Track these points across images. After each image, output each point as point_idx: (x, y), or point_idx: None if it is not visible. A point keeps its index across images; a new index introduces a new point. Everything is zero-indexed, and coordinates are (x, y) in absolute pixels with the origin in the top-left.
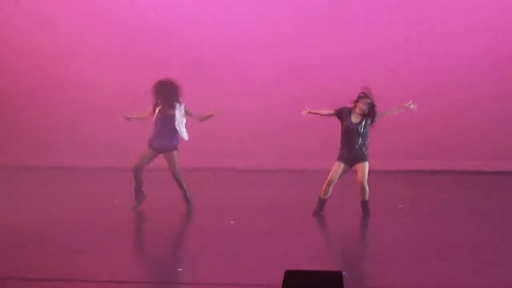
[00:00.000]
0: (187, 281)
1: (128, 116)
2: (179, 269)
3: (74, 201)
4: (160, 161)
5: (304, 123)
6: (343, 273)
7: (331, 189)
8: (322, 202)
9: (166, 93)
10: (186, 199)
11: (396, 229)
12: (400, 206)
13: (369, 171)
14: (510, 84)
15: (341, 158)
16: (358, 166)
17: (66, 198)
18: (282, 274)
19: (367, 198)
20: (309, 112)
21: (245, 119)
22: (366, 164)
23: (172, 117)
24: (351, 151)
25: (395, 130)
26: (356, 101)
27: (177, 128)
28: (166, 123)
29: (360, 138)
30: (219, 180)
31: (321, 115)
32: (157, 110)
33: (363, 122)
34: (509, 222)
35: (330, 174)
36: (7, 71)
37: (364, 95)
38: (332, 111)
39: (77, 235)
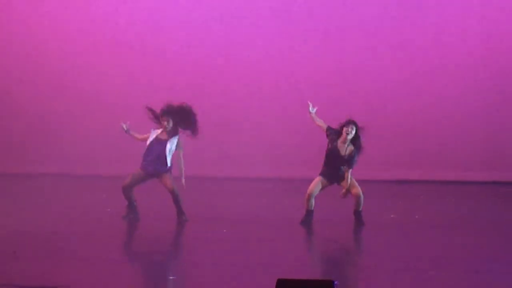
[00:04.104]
0: None
1: (125, 126)
2: (171, 277)
3: (66, 209)
4: None
5: (297, 133)
6: (335, 282)
7: (313, 201)
8: (308, 213)
9: (184, 118)
10: (179, 214)
11: (388, 238)
12: (392, 216)
13: (361, 181)
14: (503, 96)
15: (322, 174)
16: (344, 184)
17: (58, 206)
18: (274, 283)
19: (361, 208)
20: (312, 114)
21: (238, 128)
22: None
23: (166, 143)
24: (333, 171)
25: (387, 140)
26: (342, 127)
27: (166, 154)
28: (159, 147)
29: (342, 163)
30: (211, 189)
31: (316, 122)
32: (155, 133)
33: (347, 153)
34: (499, 231)
35: (309, 188)
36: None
37: (350, 122)
38: (325, 126)
39: (68, 243)
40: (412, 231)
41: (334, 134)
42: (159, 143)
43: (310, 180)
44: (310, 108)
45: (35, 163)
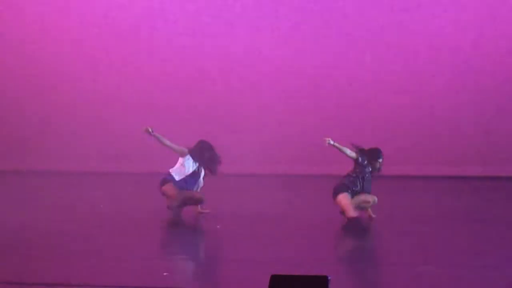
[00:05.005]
0: (172, 285)
1: (150, 129)
2: (165, 274)
3: (59, 206)
4: (156, 164)
5: (297, 130)
6: (329, 277)
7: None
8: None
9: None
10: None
11: (383, 233)
12: (387, 211)
13: None
14: (498, 92)
15: (347, 189)
16: (361, 197)
17: (51, 203)
18: (268, 279)
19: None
20: (333, 145)
21: (234, 124)
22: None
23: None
24: (356, 192)
25: (382, 136)
26: (375, 159)
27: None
28: (193, 177)
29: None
30: (205, 185)
31: (342, 152)
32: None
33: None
34: (494, 226)
35: (345, 202)
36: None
37: (381, 156)
38: (353, 155)
39: (61, 239)
40: (407, 226)
41: (365, 163)
42: (194, 176)
43: (307, 176)
44: (331, 142)
45: (27, 160)
